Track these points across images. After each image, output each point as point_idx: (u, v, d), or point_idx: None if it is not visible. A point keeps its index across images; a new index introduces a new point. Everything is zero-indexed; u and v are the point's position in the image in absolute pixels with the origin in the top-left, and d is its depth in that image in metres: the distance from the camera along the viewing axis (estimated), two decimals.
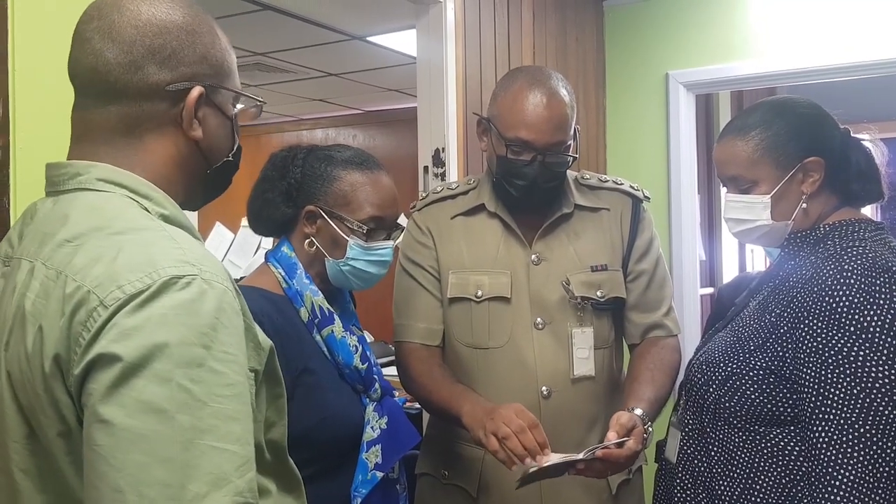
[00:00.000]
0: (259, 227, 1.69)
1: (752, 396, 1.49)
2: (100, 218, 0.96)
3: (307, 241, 1.61)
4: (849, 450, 1.36)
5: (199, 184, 1.10)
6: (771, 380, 1.48)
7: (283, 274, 1.60)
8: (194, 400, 0.84)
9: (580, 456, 1.59)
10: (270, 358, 1.06)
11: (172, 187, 1.05)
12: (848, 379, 1.37)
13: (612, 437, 1.61)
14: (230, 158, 1.11)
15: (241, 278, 1.71)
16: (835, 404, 1.38)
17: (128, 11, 1.01)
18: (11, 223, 1.47)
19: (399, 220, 1.70)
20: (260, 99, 1.15)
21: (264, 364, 1.03)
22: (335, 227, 1.60)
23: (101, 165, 1.01)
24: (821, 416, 1.40)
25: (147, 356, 0.83)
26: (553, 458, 1.57)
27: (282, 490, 1.10)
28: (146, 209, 0.99)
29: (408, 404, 2.69)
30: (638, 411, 1.69)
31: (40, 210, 1.03)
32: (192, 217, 1.23)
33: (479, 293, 1.88)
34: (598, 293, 1.89)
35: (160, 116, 1.02)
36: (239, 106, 1.11)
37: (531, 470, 1.56)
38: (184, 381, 0.84)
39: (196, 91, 1.02)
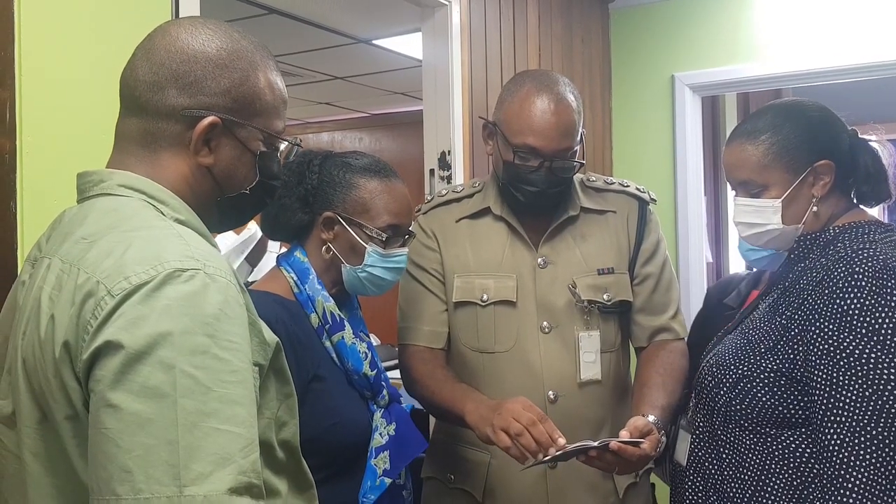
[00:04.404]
0: (274, 232, 1.70)
1: (763, 399, 1.49)
2: (115, 218, 1.01)
3: (324, 247, 1.62)
4: (861, 452, 1.35)
5: (213, 207, 1.13)
6: (782, 382, 1.47)
7: (295, 279, 1.60)
8: (198, 385, 0.88)
9: (594, 444, 1.57)
10: (277, 355, 1.09)
11: (184, 201, 1.08)
12: (859, 381, 1.37)
13: (625, 435, 1.60)
14: (247, 192, 1.14)
15: (252, 282, 1.71)
16: (846, 406, 1.37)
17: (169, 36, 1.08)
18: (19, 226, 1.49)
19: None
20: (293, 140, 1.19)
21: (270, 360, 1.06)
22: (353, 233, 1.60)
23: (122, 172, 1.07)
24: (832, 418, 1.39)
25: (152, 344, 0.88)
26: (565, 447, 1.54)
27: (293, 491, 1.13)
28: (162, 213, 1.04)
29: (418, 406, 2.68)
30: (651, 418, 1.67)
31: (66, 215, 1.10)
32: None
33: (485, 297, 1.87)
34: (605, 296, 1.88)
35: (174, 137, 1.07)
36: (282, 146, 1.17)
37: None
38: (187, 367, 0.88)
39: (208, 120, 1.06)
